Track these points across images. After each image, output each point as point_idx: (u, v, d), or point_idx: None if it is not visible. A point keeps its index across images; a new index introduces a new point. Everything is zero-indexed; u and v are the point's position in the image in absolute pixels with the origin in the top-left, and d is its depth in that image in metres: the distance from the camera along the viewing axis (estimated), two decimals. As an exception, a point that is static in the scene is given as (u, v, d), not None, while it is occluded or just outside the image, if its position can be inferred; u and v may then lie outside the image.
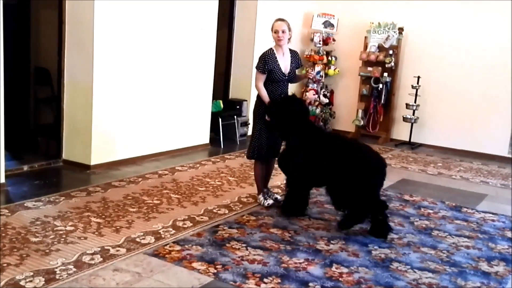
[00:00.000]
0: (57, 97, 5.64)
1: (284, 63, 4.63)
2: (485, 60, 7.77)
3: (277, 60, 4.57)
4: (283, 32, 4.54)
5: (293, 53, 4.76)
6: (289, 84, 4.78)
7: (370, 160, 4.16)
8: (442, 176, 6.55)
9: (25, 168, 5.29)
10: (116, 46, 5.51)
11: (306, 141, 4.35)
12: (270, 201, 4.79)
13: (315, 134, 4.46)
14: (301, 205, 4.55)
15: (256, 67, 4.63)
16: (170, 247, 3.62)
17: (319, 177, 4.32)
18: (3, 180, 4.65)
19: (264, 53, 4.63)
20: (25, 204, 4.27)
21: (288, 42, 4.68)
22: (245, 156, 6.55)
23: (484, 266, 3.73)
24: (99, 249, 3.50)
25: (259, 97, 4.67)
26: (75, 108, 5.49)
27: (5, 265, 3.16)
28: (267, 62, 4.54)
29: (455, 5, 7.95)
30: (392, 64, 8.25)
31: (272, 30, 4.63)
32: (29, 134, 6.25)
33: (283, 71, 4.61)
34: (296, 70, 4.84)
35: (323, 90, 8.80)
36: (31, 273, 3.07)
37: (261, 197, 4.82)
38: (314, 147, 4.30)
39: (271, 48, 4.64)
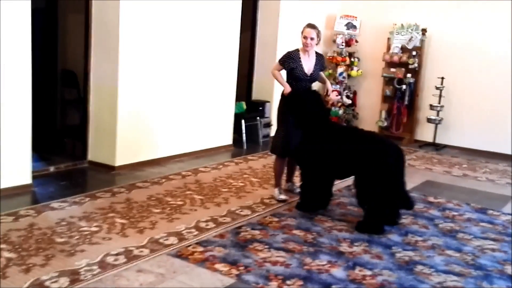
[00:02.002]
0: (83, 99, 5.74)
1: (308, 65, 4.84)
2: (509, 61, 7.61)
3: (300, 61, 4.80)
4: (311, 39, 4.76)
5: (318, 56, 4.98)
6: (314, 83, 5.01)
7: (389, 148, 4.27)
8: (467, 178, 6.44)
9: (52, 169, 5.40)
10: (141, 49, 5.59)
11: (322, 131, 4.47)
12: (283, 196, 4.95)
13: (330, 126, 4.62)
14: (317, 199, 4.60)
15: (279, 60, 4.93)
16: (193, 248, 3.64)
17: (336, 167, 4.41)
18: (30, 181, 4.76)
19: (290, 51, 4.89)
20: (51, 205, 4.35)
21: (316, 45, 4.89)
22: (267, 158, 6.62)
23: (510, 270, 3.66)
24: (123, 249, 3.54)
25: (283, 95, 4.86)
26: (100, 110, 5.58)
27: (31, 265, 3.22)
28: (289, 60, 4.81)
29: (479, 5, 7.81)
30: (416, 65, 8.15)
31: (301, 34, 4.84)
32: (56, 136, 6.37)
33: (306, 72, 4.82)
34: (321, 73, 5.08)
35: (346, 91, 8.75)
36: (56, 274, 3.13)
37: (276, 191, 5.00)
38: (330, 137, 4.43)
39: (298, 49, 4.88)
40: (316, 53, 4.95)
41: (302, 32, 4.83)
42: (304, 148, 4.54)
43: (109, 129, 5.52)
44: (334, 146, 4.37)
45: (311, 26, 4.81)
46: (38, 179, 4.98)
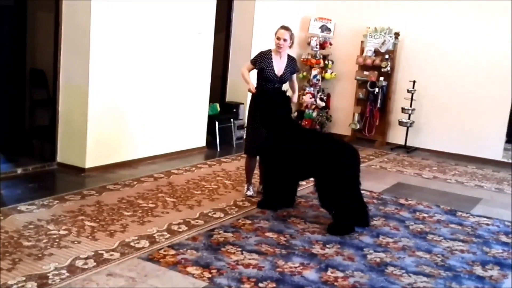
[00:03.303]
0: (53, 99, 5.61)
1: (279, 66, 4.89)
2: (480, 65, 7.81)
3: (272, 61, 4.86)
4: (284, 40, 4.82)
5: (290, 58, 5.02)
6: (283, 84, 5.02)
7: (344, 149, 4.42)
8: (437, 180, 6.56)
9: (19, 171, 5.25)
10: (112, 48, 5.50)
11: (284, 132, 4.57)
12: (250, 192, 5.09)
13: (292, 127, 4.69)
14: (279, 198, 4.72)
15: (251, 59, 5.00)
16: (164, 251, 3.60)
17: (295, 168, 4.53)
18: (-4, 183, 4.64)
19: (262, 51, 4.95)
20: (18, 208, 4.23)
21: (290, 48, 4.94)
22: (241, 160, 6.61)
23: (478, 270, 3.73)
24: (93, 253, 3.47)
25: (253, 97, 4.91)
26: (70, 111, 5.47)
27: (-3, 269, 3.14)
28: (260, 59, 4.87)
29: (451, 10, 7.99)
30: (388, 68, 8.27)
31: (275, 35, 4.89)
32: (24, 136, 6.21)
33: (276, 73, 4.88)
34: (294, 75, 5.09)
35: (320, 93, 8.81)
36: (24, 278, 3.04)
37: (245, 187, 5.16)
38: (291, 139, 4.53)
39: (270, 50, 4.93)
40: (289, 55, 5.00)
41: (275, 33, 4.89)
42: (266, 147, 4.66)
43: (79, 130, 5.42)
44: (293, 147, 4.49)
45: (284, 28, 4.87)
46: (5, 181, 4.85)
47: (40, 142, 5.84)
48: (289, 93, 4.98)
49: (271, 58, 4.85)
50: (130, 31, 5.68)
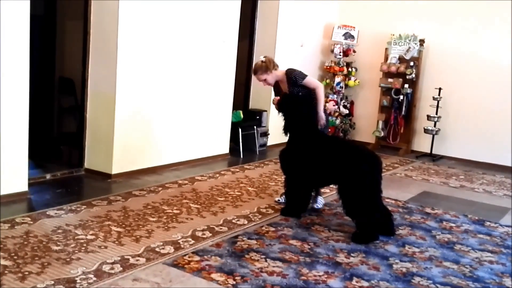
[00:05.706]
0: (81, 106, 5.72)
1: (285, 88, 4.86)
2: (507, 71, 7.67)
3: (281, 88, 4.90)
4: (264, 80, 4.83)
5: (286, 74, 4.75)
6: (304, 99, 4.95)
7: (364, 155, 4.35)
8: (464, 189, 6.44)
9: (48, 176, 5.37)
10: (139, 57, 5.59)
11: (307, 139, 4.54)
12: (277, 198, 5.16)
13: (316, 134, 4.65)
14: (301, 205, 4.73)
15: None
16: (189, 257, 3.62)
17: (319, 176, 4.52)
18: (26, 188, 4.73)
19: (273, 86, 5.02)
20: (47, 213, 4.32)
21: (276, 70, 4.79)
22: (264, 167, 6.62)
23: (508, 282, 3.65)
24: (119, 258, 3.52)
25: (278, 103, 4.90)
26: (98, 118, 5.57)
27: (26, 273, 3.19)
28: (275, 91, 5.01)
29: (477, 16, 7.88)
30: (413, 75, 8.19)
31: None
32: (52, 143, 6.35)
33: None
34: (304, 81, 4.75)
35: (343, 101, 8.78)
36: (52, 282, 3.10)
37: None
38: (313, 146, 4.50)
39: (277, 81, 4.95)
40: (285, 72, 4.75)
41: None
42: (287, 154, 4.65)
43: (106, 137, 5.51)
44: (314, 153, 4.47)
45: (253, 72, 4.87)
46: (34, 186, 4.96)
47: (68, 149, 5.95)
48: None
49: (279, 87, 4.90)
50: (156, 40, 5.76)
